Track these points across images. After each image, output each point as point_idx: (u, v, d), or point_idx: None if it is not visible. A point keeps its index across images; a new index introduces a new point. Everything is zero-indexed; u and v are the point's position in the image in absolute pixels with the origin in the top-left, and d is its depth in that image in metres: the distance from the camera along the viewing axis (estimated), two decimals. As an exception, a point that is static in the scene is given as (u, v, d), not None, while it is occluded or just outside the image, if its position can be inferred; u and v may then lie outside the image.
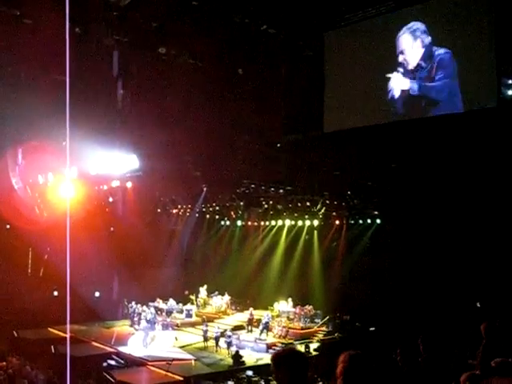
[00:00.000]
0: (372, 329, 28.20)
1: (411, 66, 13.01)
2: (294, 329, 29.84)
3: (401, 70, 13.19)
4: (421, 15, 12.87)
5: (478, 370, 6.67)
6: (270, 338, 28.72)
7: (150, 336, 27.81)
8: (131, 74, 16.26)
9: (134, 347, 26.84)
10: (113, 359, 25.40)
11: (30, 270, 34.40)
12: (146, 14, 13.70)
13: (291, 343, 27.21)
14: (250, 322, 30.39)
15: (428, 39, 12.69)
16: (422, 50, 12.81)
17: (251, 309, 31.25)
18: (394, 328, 24.81)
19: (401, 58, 13.16)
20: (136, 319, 31.48)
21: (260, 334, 29.00)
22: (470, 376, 6.28)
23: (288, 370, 4.58)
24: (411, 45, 12.94)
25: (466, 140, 15.53)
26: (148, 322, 30.43)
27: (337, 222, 33.64)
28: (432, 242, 25.63)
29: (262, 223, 37.65)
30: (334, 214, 32.94)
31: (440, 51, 12.55)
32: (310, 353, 25.49)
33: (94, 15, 13.69)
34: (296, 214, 34.54)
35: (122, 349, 26.64)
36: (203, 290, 35.93)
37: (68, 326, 30.54)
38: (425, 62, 12.78)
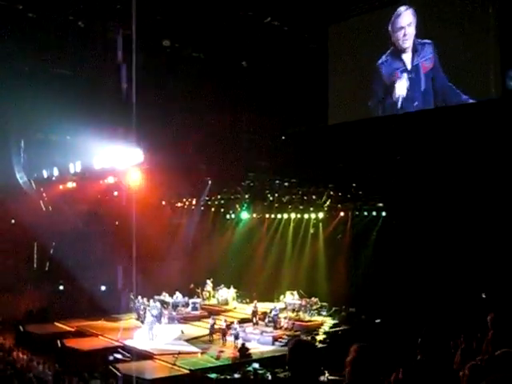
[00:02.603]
0: (378, 321, 28.20)
1: (408, 44, 12.94)
2: (299, 321, 29.85)
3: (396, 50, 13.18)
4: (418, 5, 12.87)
5: (483, 361, 6.60)
6: (276, 331, 28.72)
7: (156, 329, 27.80)
8: (135, 67, 16.24)
9: (140, 340, 26.86)
10: (119, 353, 25.44)
11: (35, 265, 34.45)
12: (150, 6, 13.65)
13: (297, 335, 27.21)
14: (255, 314, 30.38)
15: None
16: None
17: (255, 301, 31.25)
18: (399, 320, 24.82)
19: (400, 35, 13.06)
20: (142, 313, 31.52)
21: (267, 326, 29.03)
22: (472, 367, 6.23)
23: (300, 361, 4.75)
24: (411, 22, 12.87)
25: (471, 131, 15.48)
26: (153, 315, 30.52)
27: (342, 214, 33.58)
28: (437, 233, 25.58)
29: (267, 216, 37.61)
30: (339, 206, 32.87)
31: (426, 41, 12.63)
32: (316, 345, 25.48)
33: (97, 8, 13.66)
34: (301, 207, 34.49)
35: (128, 342, 26.67)
36: (209, 283, 35.98)
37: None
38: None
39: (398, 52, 13.20)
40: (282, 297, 32.56)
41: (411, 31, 12.84)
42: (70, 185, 29.81)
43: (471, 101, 12.16)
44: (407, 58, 13.05)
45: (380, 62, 13.62)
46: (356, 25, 14.08)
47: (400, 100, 13.39)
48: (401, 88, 13.28)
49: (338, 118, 15.08)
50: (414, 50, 12.87)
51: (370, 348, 4.91)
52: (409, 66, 13.03)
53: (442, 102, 12.68)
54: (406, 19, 12.89)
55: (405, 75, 13.15)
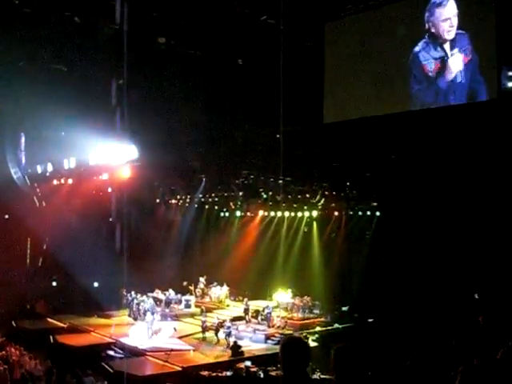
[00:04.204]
0: (370, 320, 28.25)
1: (451, 35, 12.69)
2: (292, 320, 29.88)
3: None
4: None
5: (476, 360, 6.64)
6: (269, 329, 28.74)
7: (154, 328, 27.60)
8: (130, 64, 16.20)
9: (137, 338, 26.68)
10: (111, 349, 25.41)
11: (28, 260, 34.37)
12: (146, 3, 13.63)
13: (290, 334, 27.22)
14: (246, 312, 30.39)
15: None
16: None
17: (246, 299, 31.24)
18: (392, 319, 24.88)
19: (446, 26, 12.81)
20: (135, 309, 31.50)
21: (260, 324, 29.05)
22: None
23: (292, 357, 4.82)
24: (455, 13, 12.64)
25: (466, 131, 15.51)
26: (148, 310, 30.51)
27: (336, 213, 33.64)
28: (431, 233, 25.63)
29: (261, 214, 37.62)
30: (333, 205, 32.90)
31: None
32: (309, 344, 25.49)
33: (92, 4, 13.63)
34: (295, 205, 34.50)
35: (124, 340, 26.53)
36: (202, 281, 35.98)
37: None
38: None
39: (437, 42, 12.89)
40: (274, 295, 32.58)
41: (456, 21, 12.53)
42: (64, 181, 29.74)
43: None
44: (447, 47, 12.76)
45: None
46: (353, 23, 14.07)
47: (439, 91, 13.07)
48: (443, 77, 12.98)
49: (333, 117, 15.09)
50: (454, 41, 12.63)
51: (346, 348, 5.00)
52: (450, 57, 12.71)
53: (472, 96, 12.51)
54: (452, 9, 12.57)
55: (446, 65, 12.84)
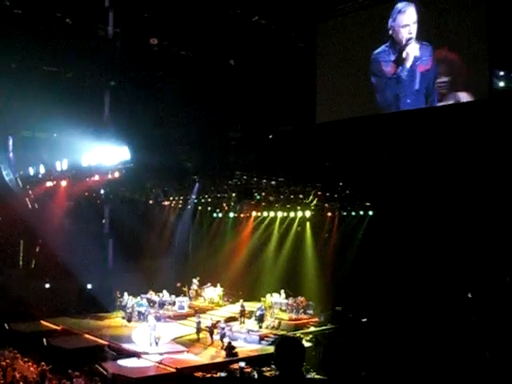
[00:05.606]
0: (364, 320, 28.27)
1: (409, 42, 12.98)
2: (286, 320, 29.89)
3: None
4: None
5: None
6: (263, 330, 28.74)
7: (157, 333, 27.13)
8: (122, 65, 16.19)
9: (142, 345, 26.24)
10: (105, 351, 25.34)
11: (21, 263, 34.27)
12: (138, 4, 13.61)
13: (284, 334, 27.21)
14: (242, 313, 30.41)
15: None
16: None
17: (241, 301, 31.24)
18: (386, 319, 24.91)
19: (405, 33, 13.08)
20: (129, 311, 31.47)
21: (253, 325, 29.04)
22: None
23: (287, 357, 4.85)
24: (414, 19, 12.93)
25: (458, 131, 15.55)
26: (142, 314, 30.46)
27: (329, 214, 33.68)
28: (424, 232, 25.66)
29: (255, 214, 37.61)
30: (326, 205, 32.91)
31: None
32: (304, 343, 25.48)
33: (84, 5, 13.60)
34: (288, 206, 34.49)
35: (129, 346, 26.21)
36: (195, 282, 35.94)
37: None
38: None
39: (397, 48, 13.25)
40: (268, 295, 32.56)
41: (415, 29, 12.86)
42: (57, 182, 29.66)
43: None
44: (406, 55, 13.12)
45: (376, 54, 13.68)
46: (345, 23, 14.12)
47: (394, 96, 13.45)
48: (396, 84, 13.34)
49: (325, 117, 15.10)
50: (417, 46, 12.93)
51: (336, 345, 5.10)
52: (407, 64, 13.09)
53: (433, 102, 12.77)
54: (411, 17, 12.90)
55: (401, 72, 13.19)
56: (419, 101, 13.04)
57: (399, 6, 13.07)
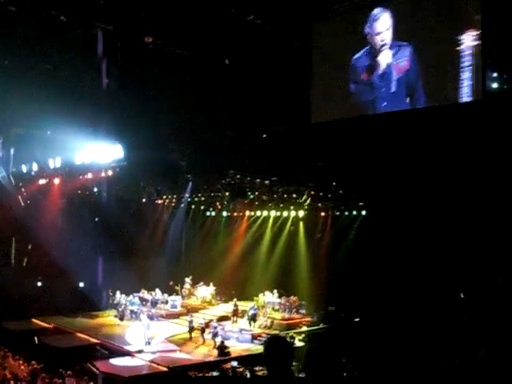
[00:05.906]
0: (357, 319, 28.31)
1: (384, 47, 13.12)
2: (279, 319, 29.89)
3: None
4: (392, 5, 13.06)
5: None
6: (255, 329, 28.74)
7: (151, 332, 27.06)
8: (117, 63, 16.16)
9: (136, 343, 26.14)
10: (97, 350, 25.28)
11: (13, 261, 34.14)
12: (133, 2, 13.59)
13: (276, 334, 27.20)
14: (235, 313, 30.40)
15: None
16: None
17: (235, 300, 31.24)
18: (378, 318, 24.95)
19: (379, 39, 13.23)
20: (121, 309, 31.42)
21: (246, 324, 29.03)
22: None
23: (275, 356, 4.95)
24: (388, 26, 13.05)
25: (452, 132, 15.58)
26: (134, 313, 30.38)
27: (322, 214, 33.70)
28: (417, 232, 25.71)
29: (248, 214, 37.60)
30: (320, 205, 32.93)
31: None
32: (295, 344, 25.51)
33: (79, 3, 13.57)
34: (282, 205, 34.49)
35: (126, 347, 26.14)
36: (188, 281, 35.92)
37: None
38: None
39: (374, 52, 13.37)
40: (261, 295, 32.56)
41: (388, 35, 13.01)
42: (50, 180, 29.56)
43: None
44: (382, 58, 13.22)
45: (355, 60, 13.79)
46: (340, 23, 14.16)
47: (370, 98, 13.59)
48: (372, 87, 13.46)
49: (320, 117, 15.12)
50: (390, 52, 13.05)
51: (319, 350, 5.23)
52: (379, 70, 13.22)
53: (419, 100, 12.86)
54: (384, 24, 13.06)
55: (378, 75, 13.31)
56: (399, 102, 13.19)
57: (375, 11, 13.20)
